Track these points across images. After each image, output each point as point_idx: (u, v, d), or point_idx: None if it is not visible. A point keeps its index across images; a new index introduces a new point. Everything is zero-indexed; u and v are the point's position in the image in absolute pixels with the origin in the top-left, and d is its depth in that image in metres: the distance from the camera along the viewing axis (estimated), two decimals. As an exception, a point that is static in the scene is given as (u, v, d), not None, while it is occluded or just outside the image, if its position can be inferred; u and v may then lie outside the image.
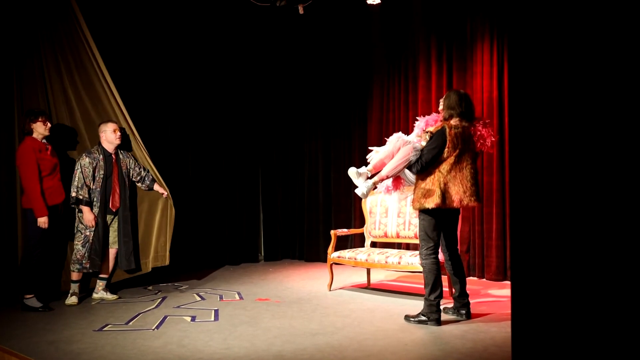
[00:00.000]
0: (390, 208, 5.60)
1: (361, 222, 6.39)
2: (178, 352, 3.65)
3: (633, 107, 1.75)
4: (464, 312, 4.29)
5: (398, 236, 5.53)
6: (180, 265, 6.59)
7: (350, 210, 7.22)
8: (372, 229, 5.70)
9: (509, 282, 5.48)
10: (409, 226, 5.42)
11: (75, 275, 5.04)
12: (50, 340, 3.92)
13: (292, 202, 7.68)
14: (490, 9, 5.92)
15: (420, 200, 4.07)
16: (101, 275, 5.24)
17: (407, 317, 4.24)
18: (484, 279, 5.93)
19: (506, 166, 5.81)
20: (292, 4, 5.91)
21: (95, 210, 5.05)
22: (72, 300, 4.99)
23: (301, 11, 5.97)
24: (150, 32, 6.41)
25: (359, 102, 7.19)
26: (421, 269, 4.89)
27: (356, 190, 4.27)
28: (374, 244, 5.77)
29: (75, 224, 5.06)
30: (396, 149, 4.15)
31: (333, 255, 5.48)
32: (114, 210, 5.16)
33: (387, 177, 4.21)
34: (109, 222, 5.18)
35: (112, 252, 5.25)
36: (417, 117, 4.50)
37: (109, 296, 5.22)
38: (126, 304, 4.99)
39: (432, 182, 4.02)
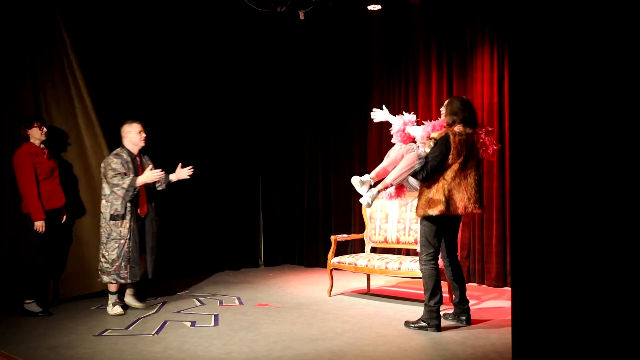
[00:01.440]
0: (390, 214, 5.60)
1: (361, 227, 6.39)
2: (178, 358, 3.65)
3: (633, 112, 1.75)
4: (464, 318, 4.29)
5: (398, 242, 5.53)
6: (180, 270, 6.59)
7: (350, 216, 7.22)
8: (372, 235, 5.70)
9: (509, 289, 5.47)
10: (409, 232, 5.42)
11: (113, 287, 4.82)
12: (50, 346, 3.92)
13: (292, 207, 7.68)
14: (490, 15, 5.94)
15: (424, 207, 4.05)
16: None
17: (407, 323, 4.24)
18: (484, 285, 5.92)
19: (506, 172, 5.81)
20: (292, 9, 5.93)
21: (128, 217, 4.81)
22: (117, 310, 4.79)
23: (302, 17, 5.99)
24: (152, 38, 6.42)
25: (359, 107, 7.20)
26: (420, 275, 4.90)
27: (361, 200, 4.26)
28: (374, 250, 5.77)
29: (106, 233, 4.78)
30: (400, 156, 4.14)
31: (333, 260, 5.47)
32: (142, 216, 4.97)
33: (391, 185, 4.20)
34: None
35: (143, 259, 5.06)
36: (424, 121, 4.50)
37: (137, 304, 5.06)
38: (126, 309, 4.98)
39: (437, 190, 4.02)
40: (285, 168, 7.71)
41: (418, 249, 4.80)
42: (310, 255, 7.40)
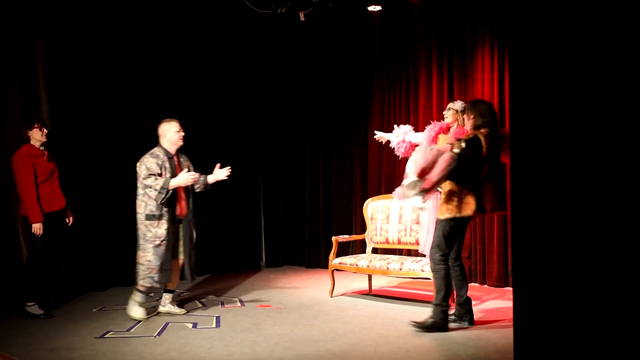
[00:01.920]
0: (391, 214, 5.60)
1: (362, 228, 6.39)
2: (180, 359, 3.65)
3: (633, 112, 1.75)
4: (467, 318, 4.28)
5: (399, 242, 5.53)
6: (181, 272, 6.57)
7: (351, 217, 7.22)
8: (373, 235, 5.70)
9: (510, 289, 5.46)
10: (411, 232, 5.41)
11: (142, 287, 4.65)
12: (51, 348, 3.92)
13: (293, 208, 7.67)
14: (490, 16, 5.94)
15: (454, 208, 4.02)
16: (168, 288, 4.86)
17: (414, 323, 4.21)
18: (486, 285, 5.92)
19: (507, 172, 5.80)
20: (293, 11, 5.93)
21: (165, 218, 4.60)
22: (139, 312, 4.65)
23: (302, 18, 6.00)
24: (153, 41, 6.43)
25: (359, 108, 7.20)
26: (422, 275, 4.90)
27: (412, 203, 4.17)
28: (375, 250, 5.76)
29: (142, 234, 4.58)
30: (432, 157, 4.03)
31: (334, 261, 5.47)
32: (180, 218, 4.75)
33: (434, 187, 4.02)
34: (175, 231, 4.74)
35: (177, 263, 4.83)
36: (430, 120, 4.58)
37: (177, 310, 4.85)
38: (127, 311, 4.99)
39: (468, 191, 4.01)
40: (286, 169, 7.72)
41: (422, 249, 4.75)
42: (311, 256, 7.40)
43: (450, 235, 4.12)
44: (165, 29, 6.52)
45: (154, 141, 6.33)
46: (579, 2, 1.85)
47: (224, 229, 7.16)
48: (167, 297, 4.87)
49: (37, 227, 4.70)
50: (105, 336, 4.20)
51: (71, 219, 5.09)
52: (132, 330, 4.36)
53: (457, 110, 4.44)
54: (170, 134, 4.75)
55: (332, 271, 5.50)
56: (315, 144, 7.53)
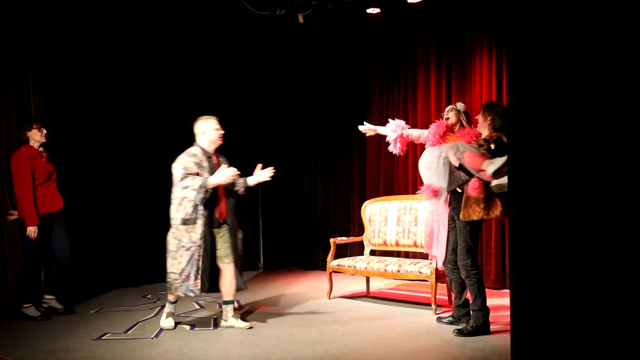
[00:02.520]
0: (389, 216, 5.60)
1: (360, 230, 6.39)
2: (177, 361, 3.64)
3: (631, 115, 1.76)
4: (465, 320, 4.27)
5: (397, 244, 5.53)
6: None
7: (349, 219, 7.22)
8: (371, 237, 5.70)
9: (508, 291, 5.47)
10: (408, 234, 5.42)
11: (172, 297, 4.40)
12: (49, 349, 3.91)
13: (291, 210, 7.67)
14: (489, 19, 5.95)
15: (482, 210, 3.97)
16: (226, 299, 4.44)
17: (460, 332, 4.10)
18: (484, 288, 5.92)
19: (505, 174, 5.82)
20: (292, 12, 5.94)
21: (201, 222, 4.25)
22: (169, 323, 4.40)
23: (301, 20, 6.00)
24: (152, 41, 6.43)
25: (358, 110, 7.20)
26: (420, 277, 4.90)
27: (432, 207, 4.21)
28: (373, 252, 5.76)
29: (176, 241, 4.25)
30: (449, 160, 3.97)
31: (332, 263, 5.47)
32: (221, 221, 4.41)
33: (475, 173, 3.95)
34: (216, 235, 4.40)
35: (228, 268, 4.39)
36: (430, 122, 4.55)
37: (241, 324, 4.39)
38: (125, 313, 4.97)
39: (491, 192, 3.98)
40: (284, 171, 7.71)
41: (438, 252, 4.49)
42: (309, 258, 7.40)
43: (475, 238, 4.12)
44: (162, 30, 6.52)
45: (148, 143, 6.36)
46: (576, 5, 1.86)
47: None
48: (228, 310, 4.44)
49: (31, 230, 4.68)
50: (103, 338, 4.19)
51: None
52: (129, 332, 4.35)
53: (459, 111, 4.43)
54: (210, 131, 4.46)
55: (330, 273, 5.50)
56: (313, 146, 7.53)
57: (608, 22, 1.80)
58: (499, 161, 3.85)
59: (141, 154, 6.36)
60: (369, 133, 4.78)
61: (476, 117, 4.26)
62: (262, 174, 4.60)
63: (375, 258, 5.42)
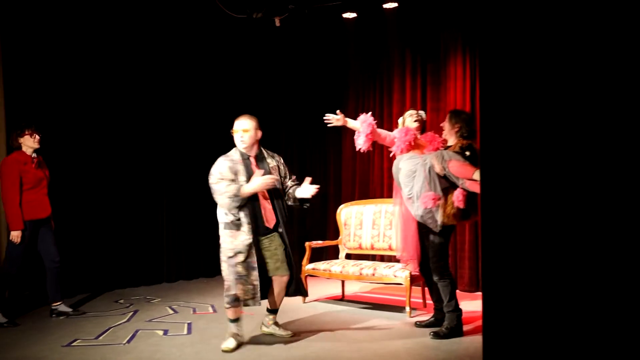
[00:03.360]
0: (364, 220, 5.62)
1: (335, 234, 6.40)
2: (149, 367, 3.59)
3: (602, 117, 1.80)
4: (443, 322, 4.27)
5: (372, 248, 5.55)
6: (153, 277, 6.49)
7: (324, 222, 7.22)
8: (346, 241, 5.71)
9: (481, 293, 5.52)
10: (384, 238, 5.44)
11: (230, 313, 4.01)
12: (16, 357, 3.82)
13: (266, 214, 7.63)
14: (463, 26, 6.04)
15: (459, 214, 4.02)
16: (270, 308, 4.29)
17: (436, 334, 4.13)
18: (457, 290, 5.96)
19: (479, 179, 5.89)
20: (268, 16, 5.93)
21: (245, 229, 3.98)
22: (228, 344, 3.92)
23: (277, 23, 6.00)
24: (126, 43, 6.35)
25: (333, 114, 7.22)
26: (394, 280, 4.93)
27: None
28: (348, 256, 5.77)
29: (221, 247, 4.06)
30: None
31: (307, 267, 5.46)
32: (270, 228, 4.11)
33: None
34: (264, 244, 4.08)
35: (279, 280, 4.15)
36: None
37: (282, 332, 4.25)
38: (96, 318, 4.88)
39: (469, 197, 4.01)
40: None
41: (404, 256, 4.54)
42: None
43: (448, 241, 4.22)
44: (138, 32, 6.44)
45: (115, 146, 6.26)
46: (549, 13, 1.89)
47: (196, 233, 7.08)
48: (270, 318, 4.30)
49: (15, 235, 4.63)
50: (73, 344, 4.11)
51: (52, 227, 4.97)
52: (100, 337, 4.27)
53: (424, 120, 4.54)
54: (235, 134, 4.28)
55: (306, 277, 5.49)
56: (289, 149, 7.51)
57: (578, 31, 1.83)
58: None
59: (114, 157, 6.26)
60: (338, 123, 4.63)
61: (441, 125, 4.31)
62: (306, 190, 4.25)
63: (351, 262, 5.43)
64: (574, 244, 1.82)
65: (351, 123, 4.60)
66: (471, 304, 5.27)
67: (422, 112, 4.56)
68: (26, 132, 4.74)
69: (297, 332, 4.33)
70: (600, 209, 1.78)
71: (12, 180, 4.62)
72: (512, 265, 1.94)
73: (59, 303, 4.90)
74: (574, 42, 1.84)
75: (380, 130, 4.51)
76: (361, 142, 4.42)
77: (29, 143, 4.75)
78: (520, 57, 1.94)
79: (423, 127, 4.51)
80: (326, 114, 4.64)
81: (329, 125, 4.68)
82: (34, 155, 4.78)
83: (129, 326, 4.59)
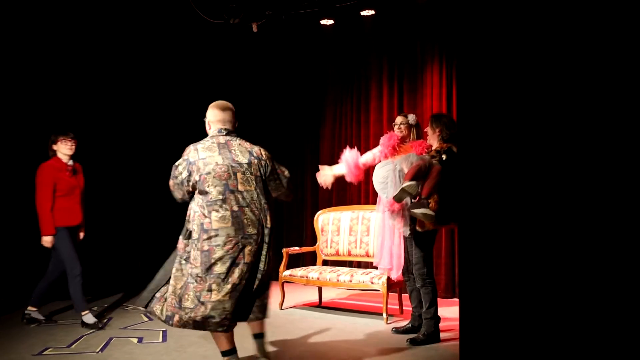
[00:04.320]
0: (342, 226, 5.63)
1: (313, 240, 6.39)
2: (123, 376, 3.52)
3: (576, 124, 1.83)
4: (421, 329, 4.29)
5: (350, 254, 5.55)
6: (127, 284, 6.39)
7: (302, 229, 7.21)
8: (323, 247, 5.70)
9: (457, 300, 5.58)
10: (361, 244, 5.46)
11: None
12: (-15, 366, 3.72)
13: (243, 220, 7.59)
14: (439, 34, 6.12)
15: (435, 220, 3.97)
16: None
17: (413, 341, 4.14)
18: (433, 297, 6.02)
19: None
20: (245, 22, 5.92)
21: None
22: None
23: (255, 29, 5.99)
24: (101, 48, 6.27)
25: (311, 120, 7.24)
26: (371, 287, 4.94)
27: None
28: (325, 262, 5.77)
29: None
30: (424, 166, 3.94)
31: (284, 273, 5.44)
32: None
33: (427, 196, 3.91)
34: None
35: None
36: (382, 134, 4.58)
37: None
38: (68, 326, 4.78)
39: (447, 202, 3.99)
40: (236, 180, 7.64)
41: (382, 263, 4.50)
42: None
43: (431, 247, 4.20)
44: (111, 38, 6.37)
45: (99, 151, 6.14)
46: (524, 22, 1.93)
47: (171, 240, 7.00)
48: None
49: (46, 240, 4.64)
50: (44, 353, 4.01)
51: (81, 235, 4.95)
52: (73, 346, 4.18)
53: (412, 125, 4.49)
54: None
55: (282, 283, 5.47)
56: (266, 155, 7.49)
57: (550, 41, 1.88)
58: (406, 184, 3.82)
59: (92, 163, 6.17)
60: (330, 181, 4.66)
61: (425, 130, 4.33)
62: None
63: (328, 268, 5.43)
64: (550, 250, 1.85)
65: (337, 170, 4.64)
66: (447, 310, 5.31)
67: (411, 117, 4.51)
68: (59, 139, 4.74)
69: (274, 342, 4.30)
70: (576, 214, 1.82)
71: (45, 186, 4.64)
72: (488, 272, 1.96)
73: (85, 313, 4.74)
74: (545, 52, 1.88)
75: (366, 158, 4.53)
76: (350, 178, 4.57)
77: (64, 150, 4.75)
78: (498, 66, 1.97)
79: (418, 132, 4.48)
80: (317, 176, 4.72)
81: (325, 187, 4.75)
82: (70, 162, 4.78)
83: (102, 334, 4.51)
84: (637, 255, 1.72)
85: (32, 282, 5.61)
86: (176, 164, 3.38)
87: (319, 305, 5.60)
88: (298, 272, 5.38)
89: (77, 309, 4.73)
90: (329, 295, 6.04)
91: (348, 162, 4.54)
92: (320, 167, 4.77)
